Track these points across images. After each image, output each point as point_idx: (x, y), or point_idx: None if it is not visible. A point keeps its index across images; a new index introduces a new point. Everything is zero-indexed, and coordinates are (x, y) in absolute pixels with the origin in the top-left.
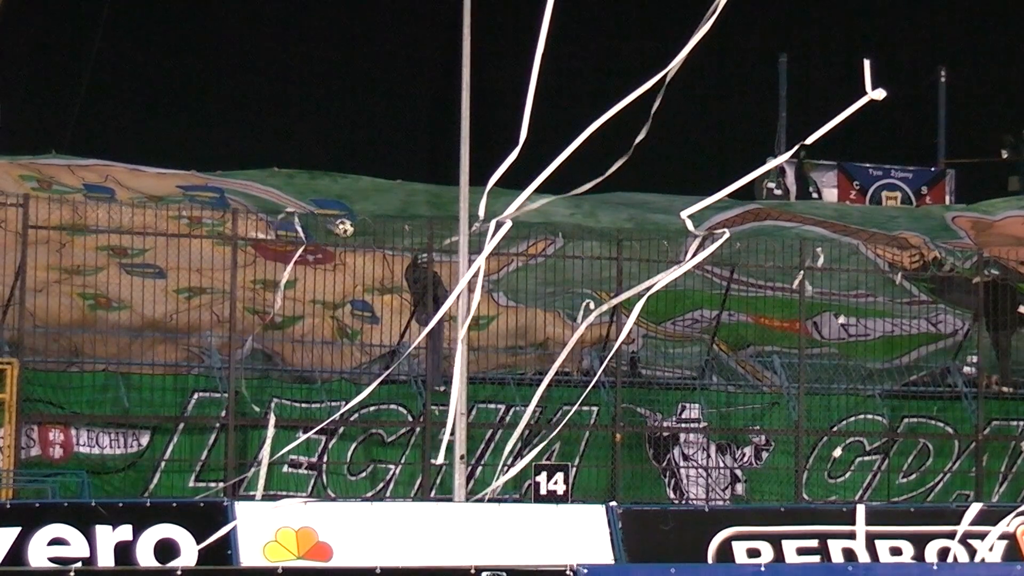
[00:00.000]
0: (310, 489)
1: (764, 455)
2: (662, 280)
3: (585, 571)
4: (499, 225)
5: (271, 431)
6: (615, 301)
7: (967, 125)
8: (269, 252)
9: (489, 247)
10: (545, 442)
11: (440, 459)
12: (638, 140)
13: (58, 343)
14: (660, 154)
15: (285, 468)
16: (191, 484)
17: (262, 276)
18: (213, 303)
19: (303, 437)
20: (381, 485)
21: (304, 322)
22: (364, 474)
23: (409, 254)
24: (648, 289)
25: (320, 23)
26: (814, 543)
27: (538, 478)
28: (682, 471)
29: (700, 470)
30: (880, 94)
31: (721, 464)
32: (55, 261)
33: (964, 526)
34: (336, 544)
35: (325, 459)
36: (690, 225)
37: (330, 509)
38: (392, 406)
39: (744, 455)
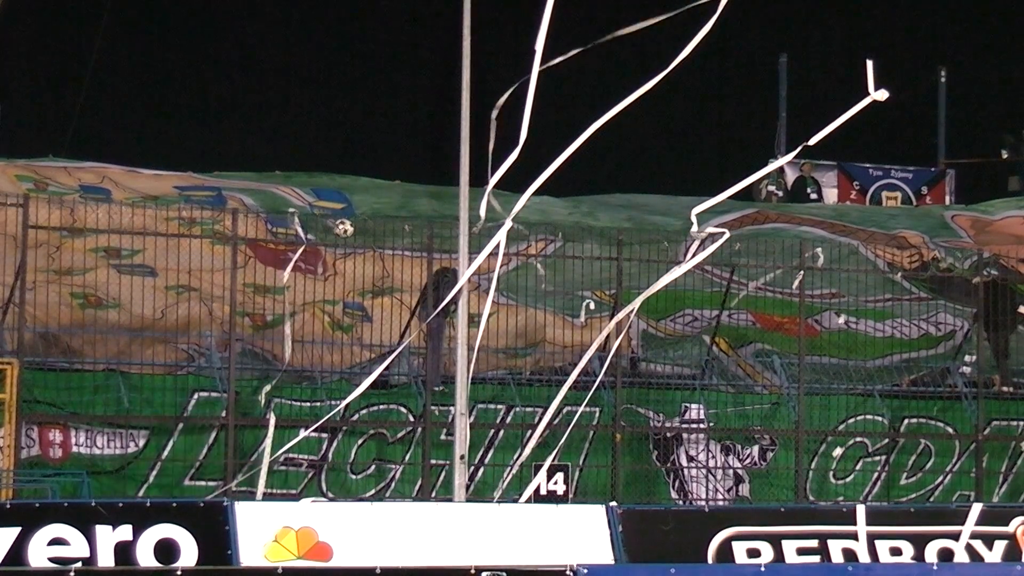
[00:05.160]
0: (301, 488)
1: (769, 455)
2: (665, 280)
3: (585, 571)
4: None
5: (271, 431)
6: (636, 303)
7: (967, 125)
8: (265, 255)
9: (491, 245)
10: (560, 443)
11: (460, 453)
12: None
13: (57, 343)
14: (659, 155)
15: (282, 468)
16: (188, 483)
17: (254, 280)
18: (212, 300)
19: (300, 436)
20: (382, 485)
21: (295, 318)
22: (365, 474)
23: (408, 254)
24: (654, 289)
25: (320, 23)
26: (814, 543)
27: (538, 478)
28: (686, 472)
29: (704, 471)
30: (883, 95)
31: (726, 464)
32: (51, 263)
33: (969, 527)
34: (336, 544)
35: (328, 459)
36: (696, 225)
37: (330, 509)
38: (393, 406)
39: (749, 455)
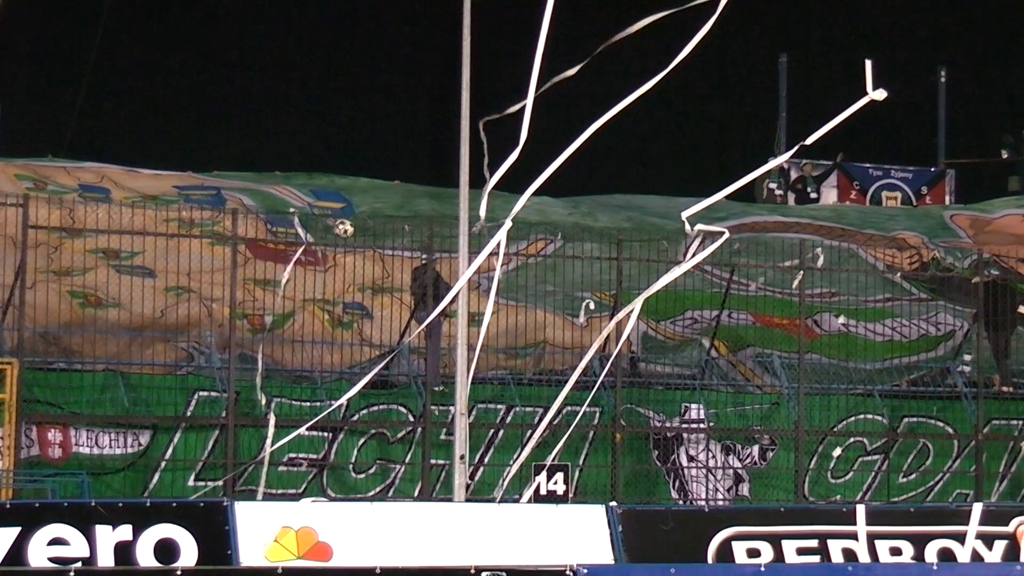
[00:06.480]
0: (303, 488)
1: (769, 455)
2: (665, 280)
3: (585, 571)
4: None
5: (271, 430)
6: (636, 303)
7: (967, 125)
8: (263, 251)
9: (491, 245)
10: (560, 443)
11: (460, 453)
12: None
13: (57, 343)
14: (659, 155)
15: (282, 468)
16: (190, 483)
17: (253, 276)
18: (212, 301)
19: (293, 435)
20: (384, 485)
21: (296, 318)
22: (367, 473)
23: (408, 254)
24: (655, 289)
25: (320, 23)
26: (814, 543)
27: (538, 478)
28: (686, 472)
29: (704, 471)
30: (881, 94)
31: (726, 464)
32: (51, 263)
33: (974, 527)
34: (336, 544)
35: (330, 459)
36: (687, 226)
37: (330, 509)
38: (393, 406)
39: (749, 455)
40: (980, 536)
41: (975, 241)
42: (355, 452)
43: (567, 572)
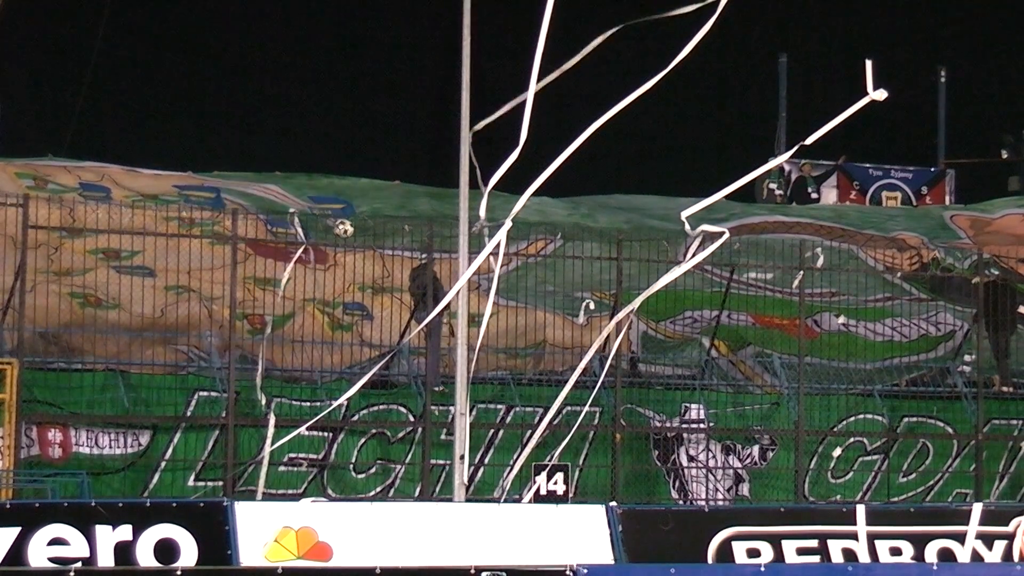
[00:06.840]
0: (304, 487)
1: (769, 455)
2: (665, 280)
3: (585, 571)
4: (500, 226)
5: (271, 430)
6: (636, 303)
7: (967, 125)
8: (263, 248)
9: (491, 245)
10: (562, 444)
11: (460, 453)
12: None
13: (57, 343)
14: (659, 155)
15: (283, 468)
16: (190, 483)
17: (253, 274)
18: (212, 300)
19: (291, 435)
20: (383, 486)
21: (295, 319)
22: (367, 473)
23: (408, 254)
24: (654, 289)
25: (320, 23)
26: (814, 543)
27: (538, 478)
28: (686, 472)
29: (704, 471)
30: (881, 95)
31: (726, 464)
32: (51, 264)
33: (974, 527)
34: (336, 544)
35: (331, 458)
36: (688, 226)
37: (330, 509)
38: (393, 406)
39: (749, 456)
40: (980, 536)
41: (975, 241)
42: (355, 452)
43: (567, 572)
